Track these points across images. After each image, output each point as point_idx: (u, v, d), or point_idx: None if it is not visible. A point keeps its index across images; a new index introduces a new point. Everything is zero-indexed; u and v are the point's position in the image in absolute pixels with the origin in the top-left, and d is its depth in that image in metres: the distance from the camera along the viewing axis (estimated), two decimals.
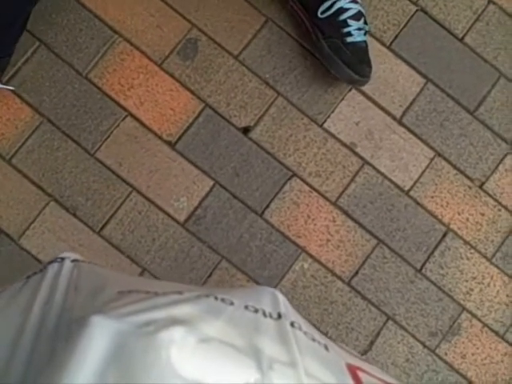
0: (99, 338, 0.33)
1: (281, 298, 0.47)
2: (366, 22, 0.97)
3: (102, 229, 0.96)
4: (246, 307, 0.43)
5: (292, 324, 0.44)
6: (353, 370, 0.45)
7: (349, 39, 0.95)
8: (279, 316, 0.44)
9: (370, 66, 0.97)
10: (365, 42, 0.97)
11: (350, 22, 0.95)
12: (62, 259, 0.48)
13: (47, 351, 0.36)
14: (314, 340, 0.45)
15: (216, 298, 0.43)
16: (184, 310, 0.39)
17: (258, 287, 0.51)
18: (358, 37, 0.96)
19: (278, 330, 0.42)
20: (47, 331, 0.38)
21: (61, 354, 0.33)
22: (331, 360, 0.45)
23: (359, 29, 0.96)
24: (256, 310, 0.43)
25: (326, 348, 0.46)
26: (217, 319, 0.40)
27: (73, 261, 0.48)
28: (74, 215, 0.96)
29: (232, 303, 0.43)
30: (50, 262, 0.47)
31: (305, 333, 0.44)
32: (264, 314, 0.43)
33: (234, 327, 0.40)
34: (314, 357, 0.42)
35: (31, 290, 0.43)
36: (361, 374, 0.46)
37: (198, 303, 0.41)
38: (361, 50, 0.97)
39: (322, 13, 0.95)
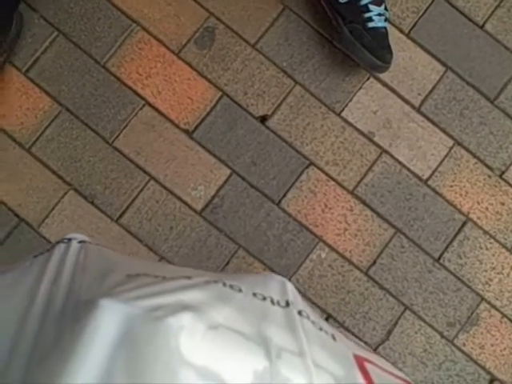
0: (108, 321, 0.33)
1: (289, 286, 0.47)
2: (386, 8, 0.96)
3: (120, 217, 0.96)
4: (255, 294, 0.43)
5: (300, 312, 0.44)
6: (360, 361, 0.45)
7: (370, 24, 0.94)
8: (287, 304, 0.44)
9: (390, 53, 0.96)
10: (385, 28, 0.96)
11: (371, 7, 0.94)
12: (69, 240, 0.47)
13: (54, 332, 0.36)
14: (321, 329, 0.45)
15: (224, 285, 0.42)
16: (193, 296, 0.38)
17: (266, 274, 0.50)
18: (379, 22, 0.95)
19: (286, 319, 0.42)
20: (54, 312, 0.38)
21: (67, 338, 0.33)
22: (339, 350, 0.45)
23: (380, 14, 0.95)
24: (264, 298, 0.43)
25: (334, 338, 0.46)
26: (225, 306, 0.39)
27: (80, 242, 0.48)
28: (93, 203, 0.96)
29: (240, 290, 0.43)
30: (57, 243, 0.47)
31: (312, 322, 0.44)
32: (272, 302, 0.43)
33: (242, 314, 0.40)
34: (322, 346, 0.42)
35: (38, 270, 0.43)
36: (368, 366, 0.46)
37: (206, 289, 0.41)
38: (382, 35, 0.96)
39: None
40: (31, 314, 0.38)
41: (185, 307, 0.36)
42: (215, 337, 0.35)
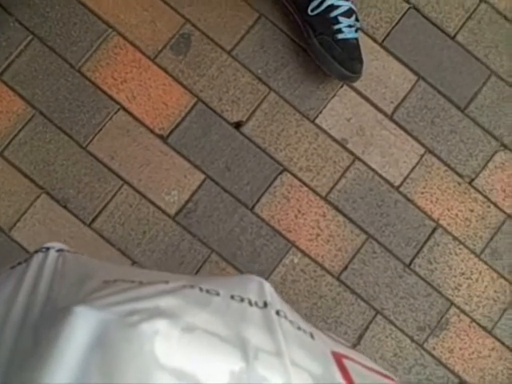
0: (82, 327, 0.33)
1: (267, 286, 0.47)
2: (357, 19, 0.98)
3: (92, 221, 0.96)
4: (232, 297, 0.43)
5: (277, 312, 0.44)
6: (338, 358, 0.45)
7: (340, 36, 0.96)
8: (265, 305, 0.44)
9: (361, 63, 0.98)
10: (356, 38, 0.98)
11: (340, 19, 0.95)
12: (47, 249, 0.48)
13: (31, 341, 0.36)
14: (299, 328, 0.45)
15: (201, 290, 0.43)
16: (169, 302, 0.39)
17: (245, 276, 0.51)
18: (348, 34, 0.96)
19: (264, 319, 0.42)
20: (31, 321, 0.38)
21: (44, 343, 0.33)
22: (317, 348, 0.45)
23: (350, 26, 0.96)
24: (242, 300, 0.43)
25: (312, 336, 0.46)
26: (202, 310, 0.40)
27: (58, 250, 0.48)
28: (65, 207, 0.96)
29: (218, 293, 0.43)
30: (35, 252, 0.47)
31: (290, 321, 0.45)
32: (250, 303, 0.43)
33: (219, 317, 0.40)
34: (300, 345, 0.42)
35: (16, 280, 0.43)
36: (346, 362, 0.46)
37: (183, 294, 0.41)
38: (352, 46, 0.98)
39: (312, 10, 0.96)
40: (9, 323, 0.38)
41: (160, 313, 0.36)
42: (191, 340, 0.36)
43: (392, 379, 0.53)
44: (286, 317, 0.45)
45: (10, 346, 0.37)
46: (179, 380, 0.33)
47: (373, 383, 0.49)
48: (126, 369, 0.32)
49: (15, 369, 0.35)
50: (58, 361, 0.31)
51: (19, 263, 0.47)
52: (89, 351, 0.32)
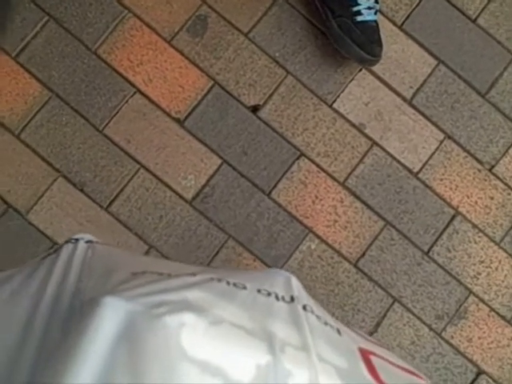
0: (110, 318, 0.33)
1: (294, 281, 0.47)
2: (377, 1, 0.96)
3: (109, 205, 0.96)
4: (259, 291, 0.43)
5: (304, 307, 0.44)
6: (365, 355, 0.45)
7: (359, 18, 0.94)
8: (292, 299, 0.44)
9: (380, 46, 0.96)
10: (375, 21, 0.96)
11: (359, 0, 0.94)
12: (77, 240, 0.48)
13: (60, 330, 0.36)
14: (326, 324, 0.45)
15: (228, 283, 0.43)
16: (196, 294, 0.39)
17: (271, 270, 0.51)
18: (368, 16, 0.94)
19: (291, 314, 0.42)
20: (61, 312, 0.38)
21: (72, 334, 0.33)
22: (343, 344, 0.45)
23: (369, 8, 0.95)
24: (269, 294, 0.43)
25: (339, 332, 0.46)
26: (229, 303, 0.40)
27: (87, 242, 0.48)
28: (82, 191, 0.96)
29: (245, 287, 0.43)
30: (65, 243, 0.48)
31: (317, 316, 0.44)
32: (277, 298, 0.43)
33: (246, 311, 0.40)
34: (327, 340, 0.42)
35: (45, 271, 0.43)
36: (373, 359, 0.46)
37: (210, 287, 0.41)
38: (371, 29, 0.96)
39: None
40: (38, 314, 0.38)
41: (188, 305, 0.36)
42: (218, 332, 0.36)
43: (420, 377, 0.52)
44: (312, 311, 0.44)
45: (40, 337, 0.37)
46: (205, 372, 0.33)
47: (399, 380, 0.48)
48: (152, 360, 0.32)
49: (44, 359, 0.35)
50: (86, 352, 0.31)
51: (49, 254, 0.47)
52: (116, 342, 0.32)
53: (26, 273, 0.44)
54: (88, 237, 0.49)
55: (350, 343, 0.46)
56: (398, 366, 0.50)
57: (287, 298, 0.44)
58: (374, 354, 0.47)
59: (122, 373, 0.31)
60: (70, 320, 0.37)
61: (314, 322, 0.43)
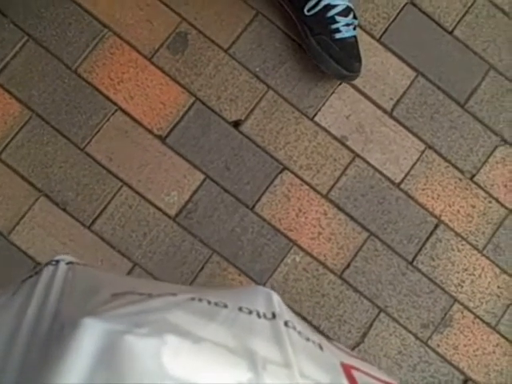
0: (90, 339, 0.33)
1: (275, 297, 0.47)
2: (355, 17, 0.97)
3: (92, 224, 0.95)
4: (240, 309, 0.43)
5: (286, 323, 0.44)
6: (347, 370, 0.45)
7: (337, 35, 0.95)
8: (273, 316, 0.44)
9: (359, 61, 0.97)
10: (354, 36, 0.97)
11: (337, 18, 0.94)
12: (57, 262, 0.48)
13: (41, 354, 0.36)
14: (308, 339, 0.45)
15: (209, 303, 0.43)
16: (177, 314, 0.39)
17: (252, 287, 0.51)
18: (346, 33, 0.95)
19: (272, 330, 0.42)
20: (41, 334, 0.38)
21: (53, 355, 0.33)
22: (326, 359, 0.45)
23: (347, 24, 0.95)
24: (250, 312, 0.43)
25: (321, 347, 0.46)
26: (210, 323, 0.40)
27: (68, 263, 0.48)
28: (65, 210, 0.95)
29: (226, 306, 0.43)
30: (45, 265, 0.47)
31: (299, 332, 0.44)
32: (258, 315, 0.44)
33: (227, 329, 0.40)
34: (309, 356, 0.42)
35: (26, 294, 0.43)
36: (355, 373, 0.46)
37: (191, 307, 0.41)
38: (350, 45, 0.97)
39: (309, 10, 0.94)
40: (19, 337, 0.38)
41: (169, 325, 0.36)
42: (199, 351, 0.36)
43: None
44: (294, 328, 0.44)
45: (20, 360, 0.37)
46: None
47: None
48: (133, 380, 0.32)
49: (25, 382, 0.35)
50: (67, 373, 0.31)
51: (30, 276, 0.47)
52: (96, 363, 0.32)
53: (7, 296, 0.44)
54: (69, 258, 0.49)
55: (332, 358, 0.46)
56: (381, 380, 0.51)
57: (269, 315, 0.44)
58: (357, 369, 0.47)
59: None
60: (50, 342, 0.37)
61: (296, 338, 0.43)
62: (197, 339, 0.36)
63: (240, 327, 0.41)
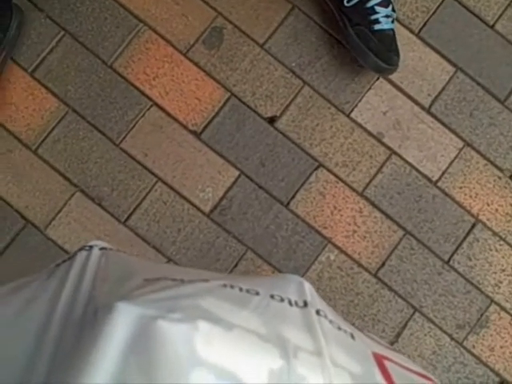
0: (123, 323, 0.33)
1: (307, 286, 0.47)
2: (393, 9, 0.95)
3: (127, 219, 0.96)
4: (272, 296, 0.43)
5: (318, 312, 0.44)
6: (379, 359, 0.45)
7: (376, 27, 0.93)
8: (305, 304, 0.44)
9: (397, 55, 0.95)
10: (392, 29, 0.95)
11: (377, 8, 0.93)
12: (91, 247, 0.48)
13: (74, 337, 0.36)
14: (339, 329, 0.45)
15: (241, 289, 0.43)
16: (209, 301, 0.39)
17: (284, 275, 0.51)
18: (385, 24, 0.94)
19: (304, 319, 0.42)
20: (75, 319, 0.38)
21: (86, 339, 0.34)
22: (357, 349, 0.44)
23: (387, 16, 0.94)
24: (282, 299, 0.43)
25: (352, 337, 0.45)
26: (242, 309, 0.40)
27: (101, 249, 0.48)
28: (100, 205, 0.95)
29: (258, 293, 0.43)
30: (79, 250, 0.48)
31: (330, 321, 0.44)
32: (290, 303, 0.43)
33: (259, 317, 0.40)
34: (340, 345, 0.42)
35: (59, 278, 0.43)
36: (387, 364, 0.45)
37: (223, 294, 0.41)
38: (388, 38, 0.95)
39: (348, 1, 0.93)
40: (53, 321, 0.38)
41: (201, 311, 0.36)
42: (230, 338, 0.36)
43: (433, 381, 0.52)
44: (326, 316, 0.44)
45: (54, 345, 0.37)
46: (218, 377, 0.33)
47: None
48: (165, 365, 0.32)
49: (58, 368, 0.35)
50: (100, 357, 0.32)
51: (63, 261, 0.47)
52: (130, 347, 0.32)
53: (41, 280, 0.44)
54: (102, 244, 0.49)
55: (363, 348, 0.46)
56: (412, 371, 0.50)
57: (300, 303, 0.44)
58: (388, 359, 0.47)
59: (135, 377, 0.31)
60: (83, 326, 0.37)
61: (328, 327, 0.43)
62: (229, 326, 0.36)
63: (272, 315, 0.41)
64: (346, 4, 0.93)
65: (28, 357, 0.36)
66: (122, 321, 0.33)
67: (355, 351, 0.43)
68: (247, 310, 0.40)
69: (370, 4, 0.93)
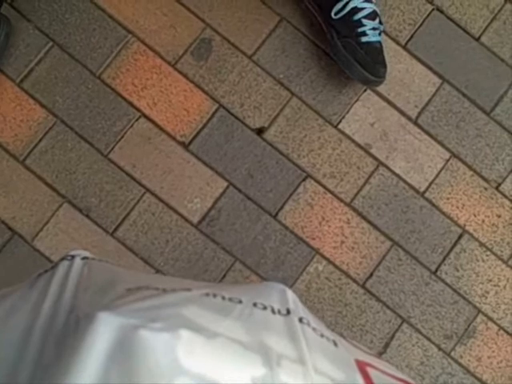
0: (105, 333, 0.33)
1: (289, 294, 0.47)
2: (381, 22, 0.96)
3: (115, 230, 0.95)
4: (255, 304, 0.43)
5: (300, 320, 0.44)
6: (362, 366, 0.45)
7: (363, 39, 0.94)
8: (288, 312, 0.44)
9: (384, 67, 0.96)
10: (379, 42, 0.96)
11: (364, 21, 0.94)
12: (73, 257, 0.47)
13: (56, 347, 0.36)
14: (322, 336, 0.45)
15: (223, 298, 0.43)
16: (192, 310, 0.39)
17: (267, 284, 0.51)
18: (372, 37, 0.94)
19: (287, 327, 0.42)
20: (56, 329, 0.38)
21: (68, 349, 0.34)
22: (340, 356, 0.45)
23: (374, 28, 0.95)
24: (265, 307, 0.43)
25: (335, 344, 0.46)
26: (224, 318, 0.40)
27: (83, 258, 0.48)
28: (88, 216, 0.95)
29: (240, 301, 0.43)
30: (61, 260, 0.47)
31: (313, 329, 0.44)
32: (273, 311, 0.43)
33: (242, 325, 0.40)
34: (323, 353, 0.42)
35: (41, 288, 0.43)
36: (370, 370, 0.46)
37: (205, 302, 0.41)
38: (375, 50, 0.96)
39: (336, 13, 0.94)
40: (34, 331, 0.38)
41: (183, 320, 0.36)
42: (213, 346, 0.36)
43: None
44: (309, 324, 0.44)
45: (35, 355, 0.37)
46: None
47: None
48: (147, 374, 0.32)
49: (40, 378, 0.35)
50: (81, 369, 0.32)
51: (45, 271, 0.47)
52: (111, 357, 0.32)
53: (23, 290, 0.44)
54: (84, 253, 0.49)
55: (346, 355, 0.46)
56: (394, 377, 0.50)
57: (283, 311, 0.44)
58: (371, 366, 0.47)
59: None
60: (65, 336, 0.37)
61: (311, 335, 0.43)
62: (211, 334, 0.36)
63: (254, 323, 0.41)
64: (333, 16, 0.94)
65: (9, 367, 0.36)
66: (104, 330, 0.33)
67: (338, 358, 0.44)
68: (230, 319, 0.40)
69: (357, 17, 0.94)
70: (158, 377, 0.32)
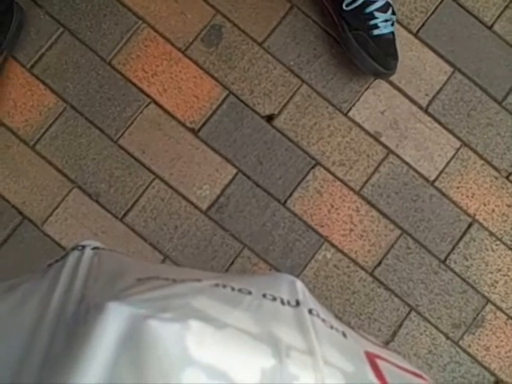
0: (115, 323, 0.33)
1: (299, 285, 0.47)
2: (393, 12, 0.94)
3: (124, 216, 0.96)
4: (264, 296, 0.43)
5: (310, 311, 0.44)
6: (371, 358, 0.45)
7: (375, 32, 0.93)
8: (297, 303, 0.44)
9: (396, 59, 0.95)
10: (392, 32, 0.95)
11: (376, 14, 0.92)
12: (83, 247, 0.48)
13: (65, 338, 0.37)
14: (332, 327, 0.45)
15: (233, 289, 0.43)
16: (201, 300, 0.39)
17: (277, 274, 0.50)
18: (384, 29, 0.93)
19: (296, 318, 0.42)
20: (66, 319, 0.38)
21: (77, 340, 0.34)
22: (349, 347, 0.45)
23: (386, 20, 0.93)
24: (274, 299, 0.43)
25: (344, 335, 0.45)
26: (234, 309, 0.40)
27: (93, 248, 0.48)
28: (97, 202, 0.95)
29: (250, 292, 0.43)
30: (71, 250, 0.48)
31: (323, 320, 0.44)
32: (282, 302, 0.43)
33: (251, 316, 0.40)
34: (332, 344, 0.42)
35: (52, 278, 0.43)
36: (379, 362, 0.45)
37: (215, 293, 0.41)
38: (387, 42, 0.95)
39: (348, 5, 0.93)
40: (45, 321, 0.38)
41: (193, 311, 0.36)
42: (223, 337, 0.36)
43: (425, 379, 0.52)
44: (318, 315, 0.44)
45: (45, 345, 0.37)
46: (210, 376, 0.33)
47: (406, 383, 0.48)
48: (157, 364, 0.32)
49: (49, 367, 0.35)
50: (91, 358, 0.32)
51: (56, 261, 0.47)
52: (121, 347, 0.32)
53: (34, 280, 0.44)
54: (94, 243, 0.49)
55: (355, 346, 0.46)
56: (404, 369, 0.50)
57: (292, 303, 0.44)
58: (381, 358, 0.47)
59: (126, 377, 0.31)
60: (75, 326, 0.37)
61: (320, 326, 0.43)
62: (221, 325, 0.36)
63: (264, 314, 0.41)
64: (345, 8, 0.93)
65: (20, 356, 0.36)
66: (114, 320, 0.33)
67: (347, 350, 0.43)
68: (239, 310, 0.40)
69: (369, 9, 0.92)
70: (168, 367, 0.32)
